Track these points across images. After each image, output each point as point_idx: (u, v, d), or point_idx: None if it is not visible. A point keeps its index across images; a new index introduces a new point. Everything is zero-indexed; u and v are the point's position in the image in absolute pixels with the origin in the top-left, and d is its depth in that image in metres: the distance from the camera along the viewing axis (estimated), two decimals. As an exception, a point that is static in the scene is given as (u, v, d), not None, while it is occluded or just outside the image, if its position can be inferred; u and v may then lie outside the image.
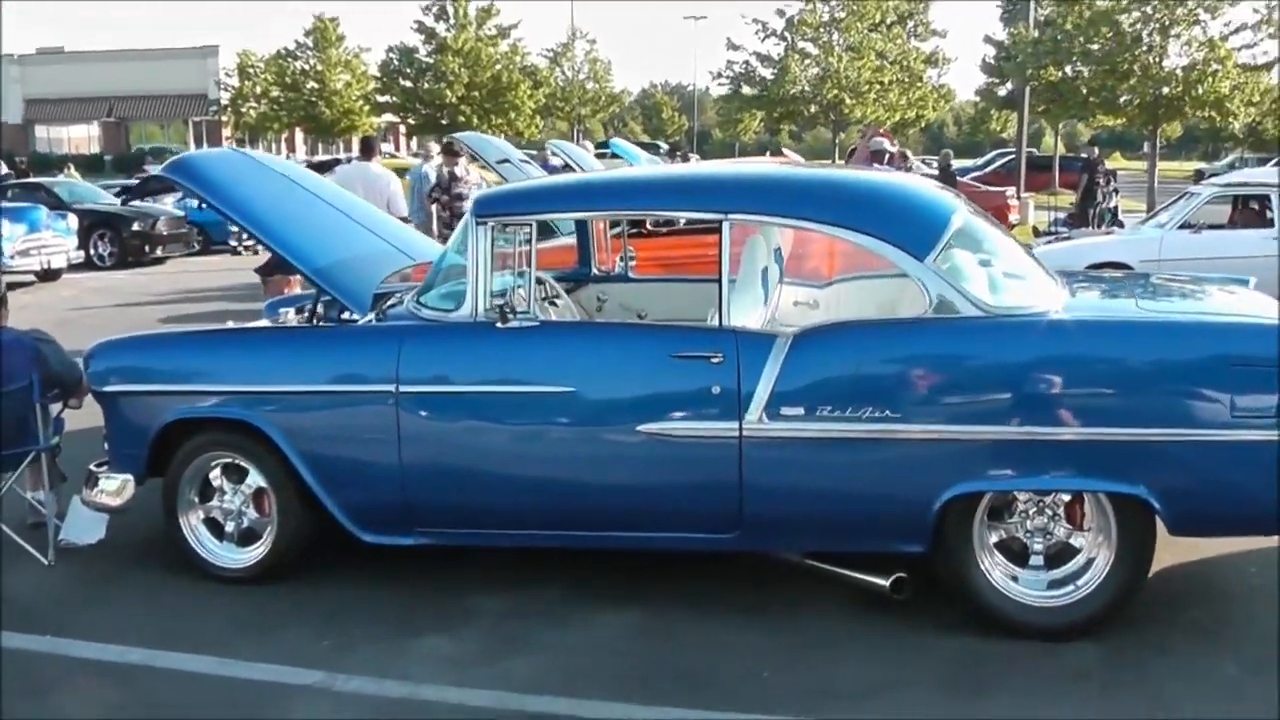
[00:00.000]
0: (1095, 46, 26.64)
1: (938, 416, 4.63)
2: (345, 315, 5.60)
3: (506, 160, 12.77)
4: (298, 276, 7.79)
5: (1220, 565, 5.48)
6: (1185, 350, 4.62)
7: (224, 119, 50.87)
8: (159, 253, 20.95)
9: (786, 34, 41.58)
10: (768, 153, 47.51)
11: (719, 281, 4.95)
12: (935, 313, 4.69)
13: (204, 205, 6.15)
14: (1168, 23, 25.50)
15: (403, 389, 5.06)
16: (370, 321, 5.40)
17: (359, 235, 6.22)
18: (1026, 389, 4.56)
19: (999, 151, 46.75)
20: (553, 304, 6.00)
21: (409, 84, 46.92)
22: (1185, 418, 4.48)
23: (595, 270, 7.18)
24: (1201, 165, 44.97)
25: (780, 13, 41.44)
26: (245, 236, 21.85)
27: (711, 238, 9.37)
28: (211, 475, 5.54)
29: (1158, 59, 25.94)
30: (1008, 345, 4.68)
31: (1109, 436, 4.52)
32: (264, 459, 5.37)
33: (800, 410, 4.68)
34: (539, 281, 5.46)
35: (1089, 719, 4.18)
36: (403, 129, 53.74)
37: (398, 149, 55.47)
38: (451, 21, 46.17)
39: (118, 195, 23.23)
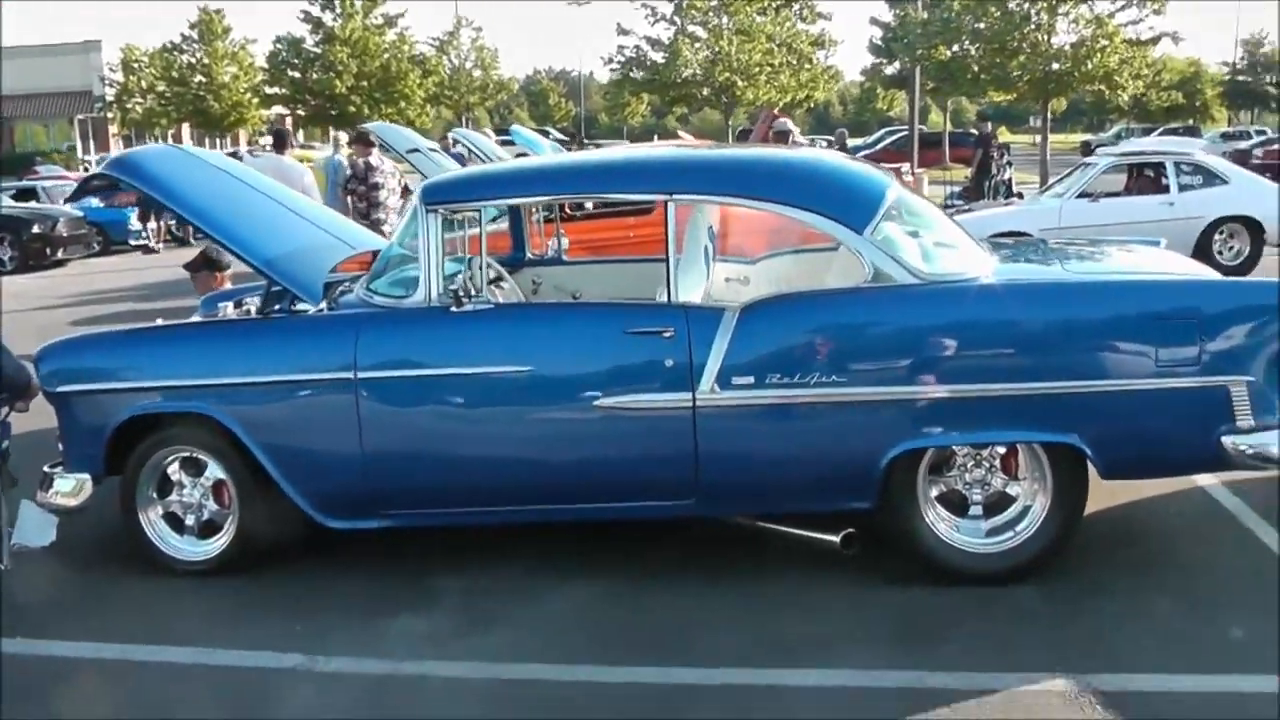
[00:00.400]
0: (983, 26, 27.38)
1: (880, 379, 4.87)
2: (296, 306, 5.66)
3: (416, 150, 12.79)
4: (226, 272, 7.80)
5: (1143, 508, 5.84)
6: (1111, 307, 4.91)
7: (110, 115, 49.61)
8: (60, 255, 20.40)
9: (676, 18, 41.75)
10: (655, 136, 47.66)
11: (665, 260, 5.12)
12: (873, 282, 4.93)
13: (141, 200, 6.17)
14: (1055, 1, 26.28)
15: (361, 375, 5.15)
16: (323, 310, 5.49)
17: (300, 226, 6.28)
18: (962, 350, 4.83)
19: (888, 129, 47.61)
20: (499, 287, 6.13)
21: (297, 75, 46.23)
22: (1113, 370, 4.78)
23: (529, 254, 7.33)
24: (1088, 137, 46.15)
25: (668, -3, 41.58)
26: (155, 237, 21.62)
27: (633, 220, 9.61)
28: (169, 470, 5.56)
29: (1046, 36, 26.76)
30: (943, 309, 4.93)
31: (1041, 390, 4.79)
32: (223, 451, 5.41)
33: (750, 379, 4.88)
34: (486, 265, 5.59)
35: (1037, 657, 4.43)
36: (290, 120, 52.86)
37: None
38: (338, 11, 45.57)
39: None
